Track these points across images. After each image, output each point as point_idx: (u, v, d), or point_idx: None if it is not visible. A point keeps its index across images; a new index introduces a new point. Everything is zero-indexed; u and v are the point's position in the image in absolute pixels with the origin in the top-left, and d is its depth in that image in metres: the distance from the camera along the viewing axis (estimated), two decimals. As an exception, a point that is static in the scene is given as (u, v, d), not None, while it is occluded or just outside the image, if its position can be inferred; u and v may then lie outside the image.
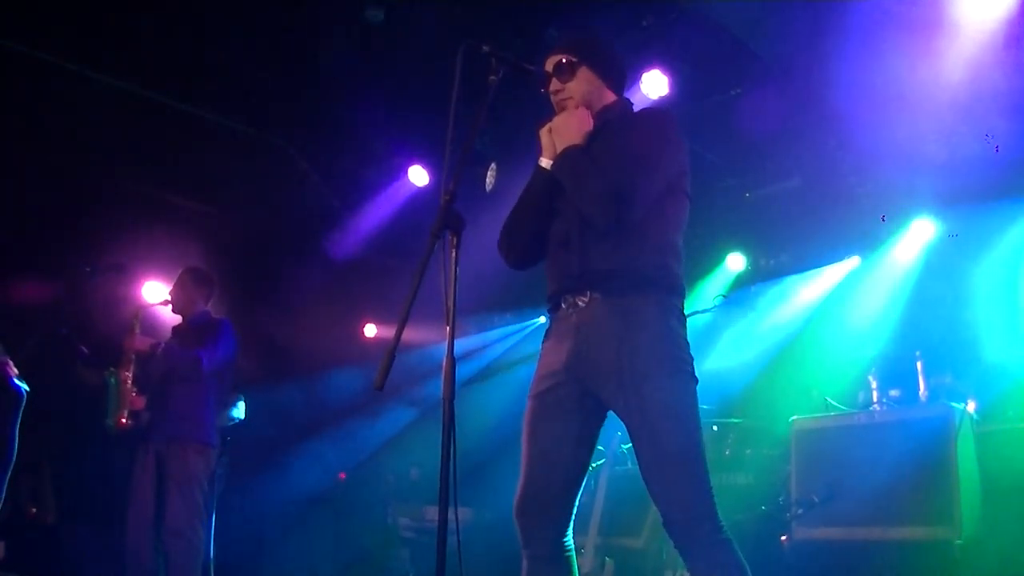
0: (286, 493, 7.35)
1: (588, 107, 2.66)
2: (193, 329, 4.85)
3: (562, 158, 2.56)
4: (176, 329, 4.99)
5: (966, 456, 4.66)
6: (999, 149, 5.33)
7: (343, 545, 7.26)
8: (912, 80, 5.14)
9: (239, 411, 5.49)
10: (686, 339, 2.52)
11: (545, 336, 2.67)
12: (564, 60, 2.66)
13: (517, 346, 8.54)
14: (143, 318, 4.87)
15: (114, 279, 5.62)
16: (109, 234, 6.00)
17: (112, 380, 4.66)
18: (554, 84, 2.67)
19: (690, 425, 2.43)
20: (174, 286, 4.97)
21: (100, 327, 5.48)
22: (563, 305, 2.58)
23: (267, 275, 7.40)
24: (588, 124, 2.59)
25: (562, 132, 2.58)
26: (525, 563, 2.54)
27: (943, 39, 4.87)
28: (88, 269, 5.12)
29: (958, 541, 4.43)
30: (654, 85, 5.57)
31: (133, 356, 4.70)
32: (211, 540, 4.87)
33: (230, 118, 6.51)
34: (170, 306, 4.93)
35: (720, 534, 2.38)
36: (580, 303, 2.53)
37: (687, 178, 2.63)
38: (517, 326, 8.65)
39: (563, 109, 2.68)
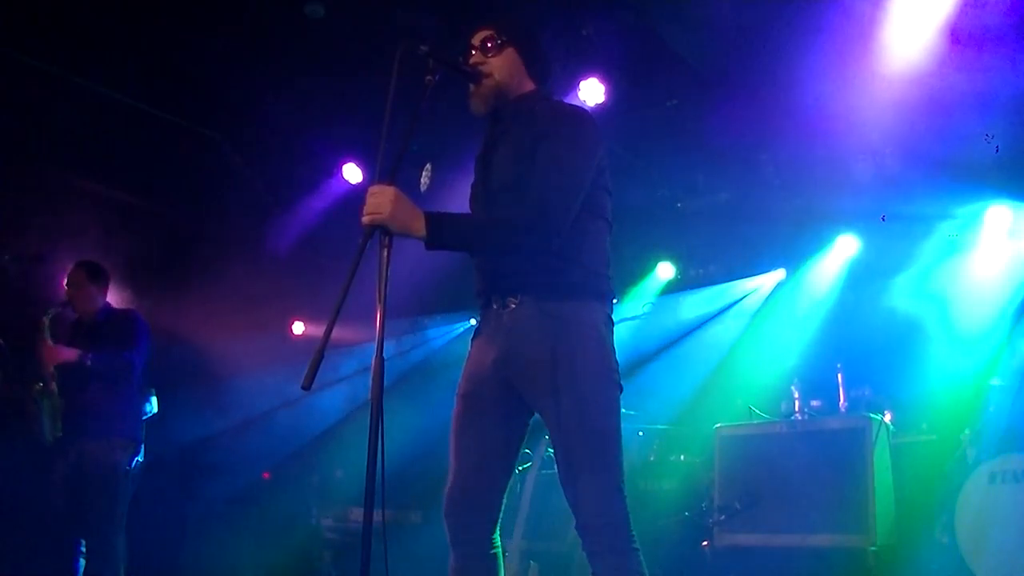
0: (208, 493, 7.20)
1: (506, 90, 2.64)
2: (100, 325, 4.66)
3: (437, 235, 2.33)
4: (78, 327, 4.72)
5: (882, 466, 4.81)
6: (1000, 149, 5.32)
7: (265, 546, 7.13)
8: (840, 100, 5.29)
9: (152, 405, 5.35)
10: (613, 346, 2.54)
11: (475, 333, 2.67)
12: (492, 37, 2.64)
13: (447, 346, 8.52)
14: (53, 323, 4.60)
15: (33, 270, 5.44)
16: (29, 223, 5.81)
17: (43, 399, 4.48)
18: (476, 57, 2.63)
19: (613, 433, 2.46)
20: (68, 286, 4.69)
21: (18, 320, 5.28)
22: (493, 305, 2.57)
23: (194, 270, 7.23)
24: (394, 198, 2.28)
25: (396, 216, 2.28)
26: (452, 561, 2.54)
27: (870, 61, 5.03)
28: (6, 258, 4.95)
29: (872, 548, 4.57)
30: (591, 93, 5.64)
31: (53, 368, 4.48)
32: (124, 541, 4.74)
33: (161, 108, 6.35)
34: (70, 307, 4.69)
35: (632, 543, 2.41)
36: (511, 304, 2.53)
37: (606, 174, 2.61)
38: (448, 327, 8.62)
39: (480, 87, 2.61)
